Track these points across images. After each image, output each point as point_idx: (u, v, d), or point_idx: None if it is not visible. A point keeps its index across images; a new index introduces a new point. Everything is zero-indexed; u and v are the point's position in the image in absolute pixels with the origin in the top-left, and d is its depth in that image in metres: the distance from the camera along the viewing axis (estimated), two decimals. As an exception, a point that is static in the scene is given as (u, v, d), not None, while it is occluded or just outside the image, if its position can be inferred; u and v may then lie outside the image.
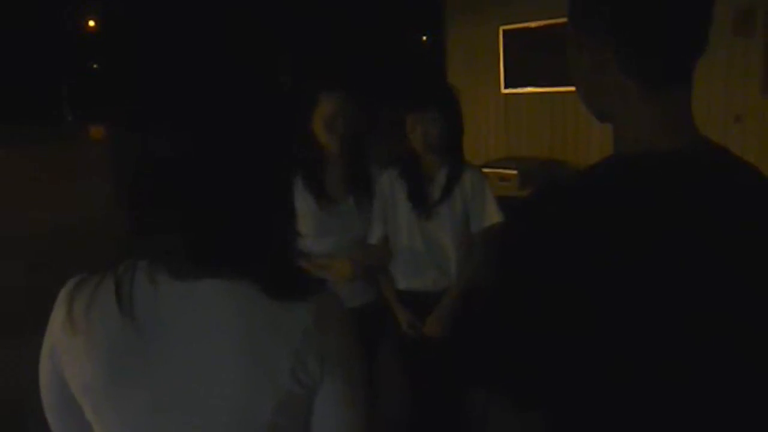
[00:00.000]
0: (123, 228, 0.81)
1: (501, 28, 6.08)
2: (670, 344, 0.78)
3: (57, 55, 35.76)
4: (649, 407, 0.79)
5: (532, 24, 5.61)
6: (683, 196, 0.80)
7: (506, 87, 6.21)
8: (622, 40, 0.81)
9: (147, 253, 0.81)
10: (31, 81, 34.23)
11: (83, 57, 38.44)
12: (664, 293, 0.77)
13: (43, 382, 0.87)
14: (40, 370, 0.87)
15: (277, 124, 0.87)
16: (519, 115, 6.12)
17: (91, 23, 38.03)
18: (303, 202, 2.14)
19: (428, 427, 2.38)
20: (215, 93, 0.80)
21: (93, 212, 9.89)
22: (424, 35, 36.89)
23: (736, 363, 0.79)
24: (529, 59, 5.72)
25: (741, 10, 4.58)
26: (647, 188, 0.80)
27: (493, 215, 2.24)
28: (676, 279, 0.77)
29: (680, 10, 0.80)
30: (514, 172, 5.65)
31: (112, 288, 0.80)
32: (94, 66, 41.33)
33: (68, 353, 0.82)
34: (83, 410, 0.84)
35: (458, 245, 2.23)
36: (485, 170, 4.53)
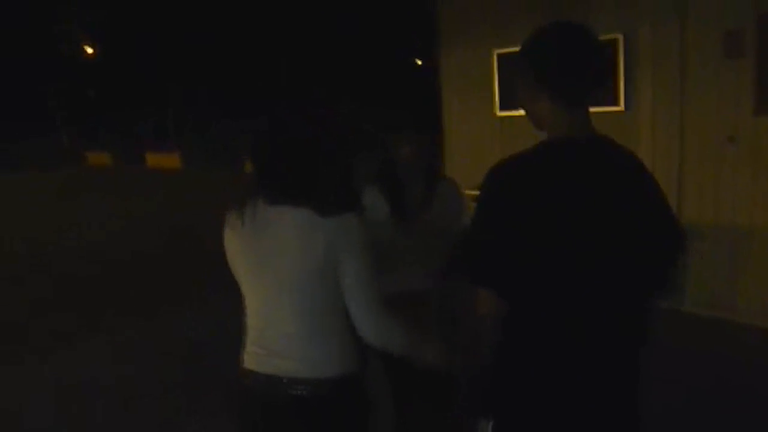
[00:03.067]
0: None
1: (495, 52, 6.15)
2: (581, 244, 1.39)
3: (54, 81, 35.88)
4: (568, 280, 1.39)
5: (526, 47, 5.67)
6: (586, 160, 1.44)
7: (501, 109, 6.27)
8: (549, 87, 1.47)
9: (259, 192, 1.67)
10: (28, 106, 34.30)
11: (80, 83, 38.59)
12: (575, 215, 1.38)
13: (228, 257, 1.78)
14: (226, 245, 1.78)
15: (329, 133, 1.71)
16: (514, 137, 6.15)
17: (90, 50, 38.27)
18: None
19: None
20: (308, 126, 1.69)
21: (97, 234, 9.91)
22: (419, 59, 37.11)
23: (617, 253, 1.42)
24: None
25: (731, 31, 4.64)
26: (566, 157, 1.43)
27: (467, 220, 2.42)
28: (582, 208, 1.39)
29: (580, 67, 1.44)
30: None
31: (238, 211, 1.69)
32: (91, 93, 41.48)
33: (227, 244, 1.75)
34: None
35: (438, 250, 2.45)
36: (481, 192, 4.51)
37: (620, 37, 5.20)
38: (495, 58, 6.17)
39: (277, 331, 1.69)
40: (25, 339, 5.24)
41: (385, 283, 2.46)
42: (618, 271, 1.42)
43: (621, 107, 5.25)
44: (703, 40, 4.82)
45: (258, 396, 1.72)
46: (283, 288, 1.65)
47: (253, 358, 1.74)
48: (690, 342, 4.58)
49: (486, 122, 6.42)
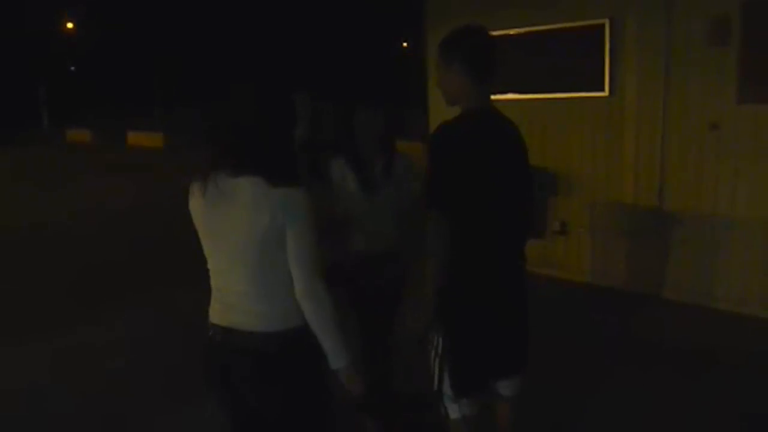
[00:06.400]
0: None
1: (481, 35, 6.11)
2: (494, 178, 2.12)
3: (33, 57, 35.22)
4: (489, 204, 2.13)
5: (512, 31, 5.68)
6: (491, 123, 2.18)
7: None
8: (472, 68, 2.14)
9: (218, 166, 1.84)
10: (5, 84, 33.64)
11: (61, 59, 37.92)
12: (492, 159, 2.14)
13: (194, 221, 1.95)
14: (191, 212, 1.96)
15: (281, 114, 1.91)
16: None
17: (69, 25, 37.55)
18: None
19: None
20: (260, 105, 1.87)
21: (75, 215, 9.80)
22: (405, 41, 36.92)
23: (516, 183, 2.21)
24: (510, 66, 5.75)
25: (716, 19, 4.66)
26: (478, 120, 2.15)
27: (420, 190, 2.78)
28: (495, 155, 2.15)
29: (491, 57, 2.18)
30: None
31: (201, 182, 1.86)
32: (72, 68, 40.78)
33: (192, 210, 1.92)
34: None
35: (397, 215, 2.86)
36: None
37: (606, 22, 5.20)
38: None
39: (232, 290, 1.91)
40: (22, 325, 5.17)
41: (355, 245, 2.86)
42: (511, 195, 2.18)
43: (605, 92, 5.26)
44: (688, 27, 4.83)
45: (218, 345, 1.95)
46: (236, 253, 1.86)
47: (216, 312, 1.97)
48: (667, 327, 4.64)
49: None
